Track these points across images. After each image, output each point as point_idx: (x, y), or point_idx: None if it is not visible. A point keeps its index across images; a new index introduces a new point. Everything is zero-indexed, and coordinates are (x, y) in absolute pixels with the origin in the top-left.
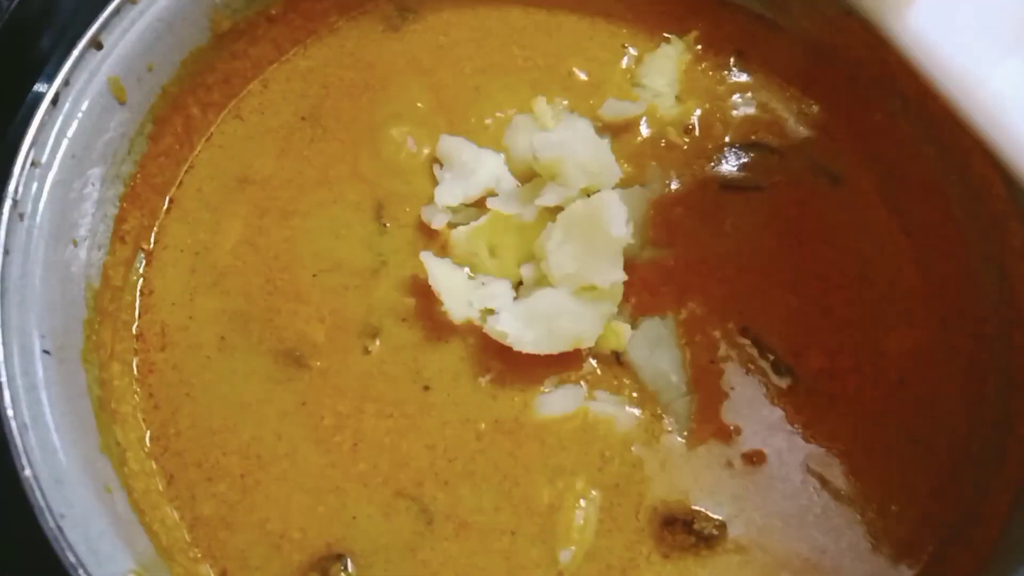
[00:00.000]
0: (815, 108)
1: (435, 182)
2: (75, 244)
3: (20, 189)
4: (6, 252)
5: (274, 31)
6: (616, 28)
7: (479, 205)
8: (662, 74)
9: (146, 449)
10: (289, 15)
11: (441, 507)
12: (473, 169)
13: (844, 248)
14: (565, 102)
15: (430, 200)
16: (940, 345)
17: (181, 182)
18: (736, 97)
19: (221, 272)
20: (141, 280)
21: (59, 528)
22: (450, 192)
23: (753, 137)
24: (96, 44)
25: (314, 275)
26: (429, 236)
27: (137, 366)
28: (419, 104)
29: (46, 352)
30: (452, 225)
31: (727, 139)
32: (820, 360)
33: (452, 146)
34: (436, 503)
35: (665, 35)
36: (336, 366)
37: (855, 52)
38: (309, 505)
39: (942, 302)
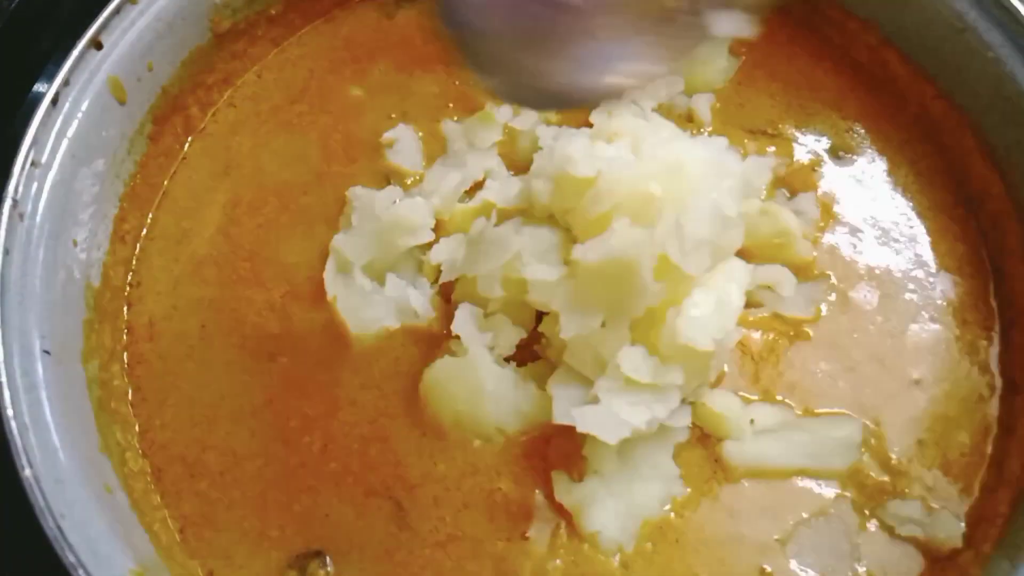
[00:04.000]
0: (821, 87)
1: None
2: (75, 244)
3: (20, 189)
4: (6, 252)
5: (274, 31)
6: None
7: (469, 194)
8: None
9: (137, 445)
10: (289, 15)
11: (416, 506)
12: (464, 162)
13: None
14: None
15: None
16: (958, 342)
17: (175, 172)
18: (736, 83)
19: (200, 260)
20: (131, 273)
21: (59, 528)
22: (438, 180)
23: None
24: (96, 44)
25: (278, 265)
26: None
27: (127, 359)
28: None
29: (46, 352)
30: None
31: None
32: None
33: (449, 132)
34: (410, 502)
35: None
36: (299, 364)
37: (855, 53)
38: (284, 503)
39: (961, 291)
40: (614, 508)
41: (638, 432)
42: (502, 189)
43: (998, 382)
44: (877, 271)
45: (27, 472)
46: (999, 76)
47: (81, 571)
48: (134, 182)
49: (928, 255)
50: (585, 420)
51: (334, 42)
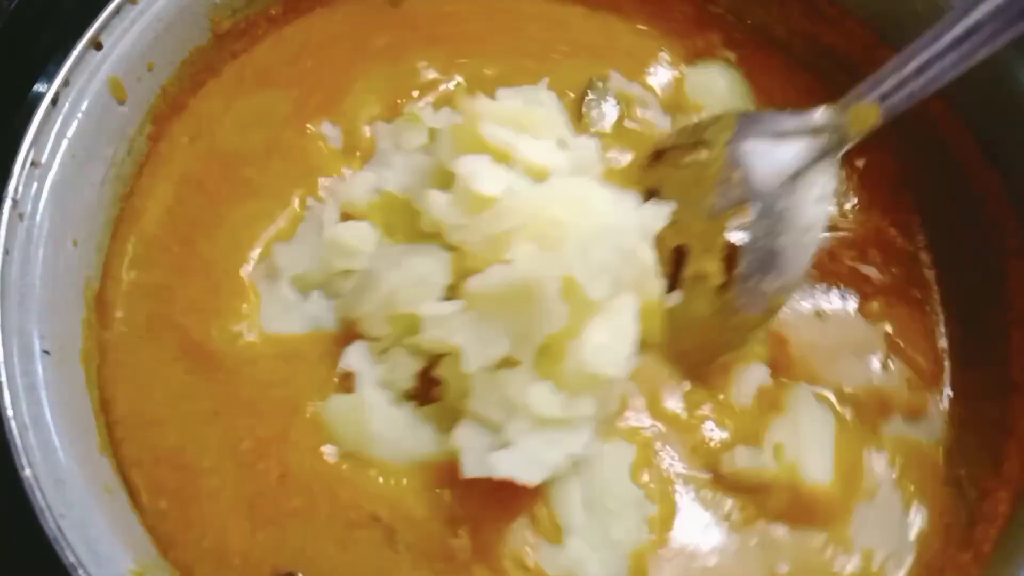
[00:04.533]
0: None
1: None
2: (75, 244)
3: (20, 189)
4: (6, 252)
5: (274, 31)
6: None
7: None
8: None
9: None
10: (289, 15)
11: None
12: (390, 163)
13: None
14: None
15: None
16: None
17: (168, 165)
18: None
19: (147, 243)
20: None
21: (59, 528)
22: (361, 181)
23: None
24: (96, 44)
25: (213, 249)
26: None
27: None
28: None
29: (46, 352)
30: None
31: None
32: None
33: (378, 132)
34: (403, 524)
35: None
36: (242, 375)
37: (853, 53)
38: (247, 530)
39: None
40: (599, 560)
41: (558, 471)
42: (395, 177)
43: (998, 382)
44: (899, 257)
45: (27, 472)
46: (999, 76)
47: (81, 571)
48: (134, 181)
49: (928, 254)
50: (502, 465)
51: (331, 25)
